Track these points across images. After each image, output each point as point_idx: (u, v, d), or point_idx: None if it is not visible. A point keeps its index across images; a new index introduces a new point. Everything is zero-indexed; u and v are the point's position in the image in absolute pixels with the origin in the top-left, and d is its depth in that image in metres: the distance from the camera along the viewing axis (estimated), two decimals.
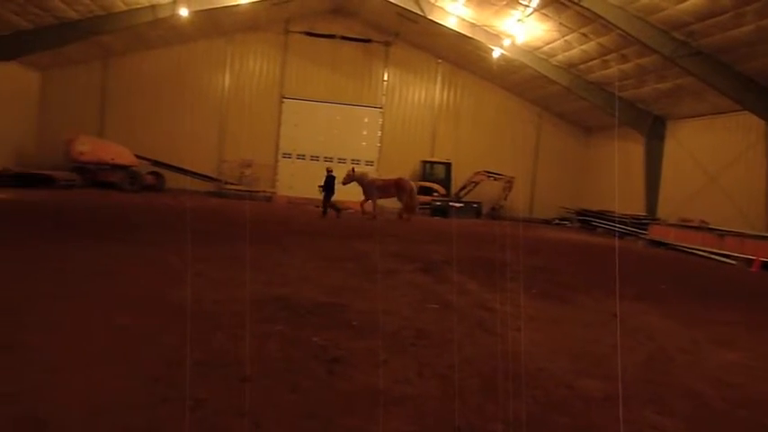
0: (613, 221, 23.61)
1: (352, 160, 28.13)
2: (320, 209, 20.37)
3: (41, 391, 3.82)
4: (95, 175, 23.57)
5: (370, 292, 7.62)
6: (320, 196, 20.23)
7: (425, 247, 13.23)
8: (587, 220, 26.40)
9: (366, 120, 28.51)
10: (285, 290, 7.39)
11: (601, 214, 25.30)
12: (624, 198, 24.90)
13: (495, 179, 27.06)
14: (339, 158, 28.07)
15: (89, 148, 23.23)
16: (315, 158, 27.98)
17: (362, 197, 21.21)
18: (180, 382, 4.10)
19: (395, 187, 21.24)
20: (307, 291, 7.43)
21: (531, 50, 23.35)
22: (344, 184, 20.71)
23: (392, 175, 22.85)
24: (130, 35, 23.84)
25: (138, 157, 24.59)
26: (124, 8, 21.11)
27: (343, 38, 27.94)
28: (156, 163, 25.76)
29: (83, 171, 23.24)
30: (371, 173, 22.65)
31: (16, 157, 23.51)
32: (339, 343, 5.30)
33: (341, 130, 28.26)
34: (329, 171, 20.69)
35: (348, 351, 5.10)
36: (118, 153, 23.94)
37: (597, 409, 4.27)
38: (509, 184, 27.01)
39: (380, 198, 21.43)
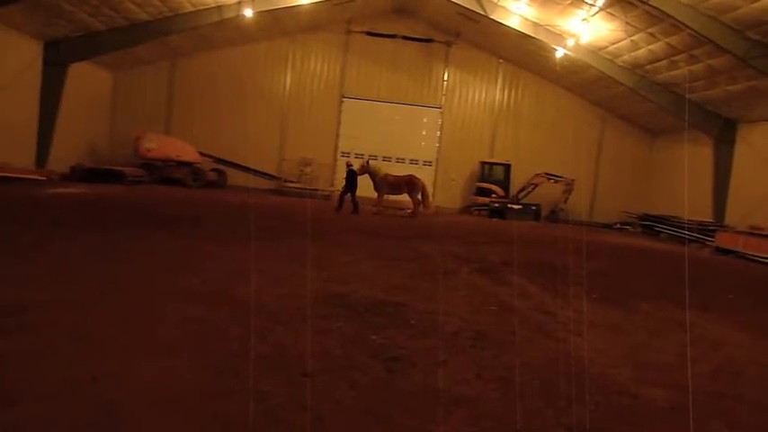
0: (678, 227, 22.84)
1: (411, 160, 28.16)
2: (342, 202, 20.34)
3: (117, 377, 3.99)
4: (161, 172, 24.41)
5: (429, 291, 7.61)
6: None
7: (484, 249, 13.13)
8: (650, 225, 25.63)
9: (425, 120, 28.47)
10: (344, 287, 7.47)
11: (665, 219, 24.52)
12: (690, 203, 24.05)
13: (556, 181, 26.59)
14: (397, 158, 28.15)
15: (156, 145, 24.06)
16: (373, 158, 28.06)
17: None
18: (245, 374, 4.21)
19: (406, 185, 21.14)
20: (366, 289, 7.49)
21: (596, 50, 22.84)
22: (359, 174, 20.62)
23: (403, 173, 22.76)
24: (197, 36, 24.55)
25: (201, 154, 25.32)
26: (191, 9, 21.76)
27: (405, 38, 27.98)
28: (219, 160, 26.45)
29: (150, 167, 24.11)
30: (384, 168, 22.50)
31: (89, 154, 24.57)
32: (398, 342, 5.33)
33: (400, 129, 28.30)
34: (349, 165, 20.67)
35: (407, 350, 5.12)
36: (183, 150, 24.72)
37: (662, 419, 4.15)
38: (569, 186, 26.49)
39: (390, 194, 21.42)
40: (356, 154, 28.02)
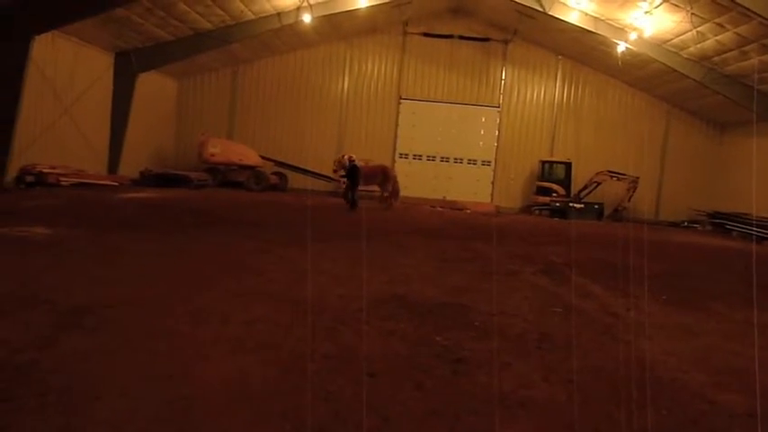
0: (751, 225, 21.86)
1: (469, 161, 27.97)
2: (352, 200, 19.65)
3: (190, 374, 4.15)
4: (225, 175, 25.11)
5: (492, 293, 7.56)
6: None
7: (545, 249, 12.94)
8: (721, 222, 24.61)
9: (483, 119, 28.22)
10: (406, 288, 7.51)
11: (736, 217, 23.51)
12: (762, 199, 22.96)
13: (619, 179, 25.89)
14: (455, 158, 27.99)
15: (219, 149, 24.75)
16: (431, 159, 28.08)
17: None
18: (311, 373, 4.30)
19: (381, 174, 20.75)
20: (427, 290, 7.52)
21: (660, 43, 22.12)
22: (336, 171, 20.24)
23: (373, 162, 22.34)
24: (257, 42, 25.09)
25: (262, 157, 25.86)
26: (252, 17, 22.26)
27: (461, 37, 27.81)
28: (280, 163, 26.95)
29: (214, 171, 24.82)
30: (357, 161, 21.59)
31: (157, 159, 25.47)
32: (462, 343, 5.32)
33: (458, 130, 28.15)
34: (351, 160, 20.16)
35: (471, 352, 5.11)
36: (245, 154, 25.33)
37: (740, 426, 4.01)
38: (633, 184, 25.75)
39: (365, 185, 20.88)
40: (414, 155, 28.05)
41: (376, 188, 22.04)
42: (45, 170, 17.41)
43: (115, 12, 17.54)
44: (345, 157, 21.04)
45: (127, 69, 21.82)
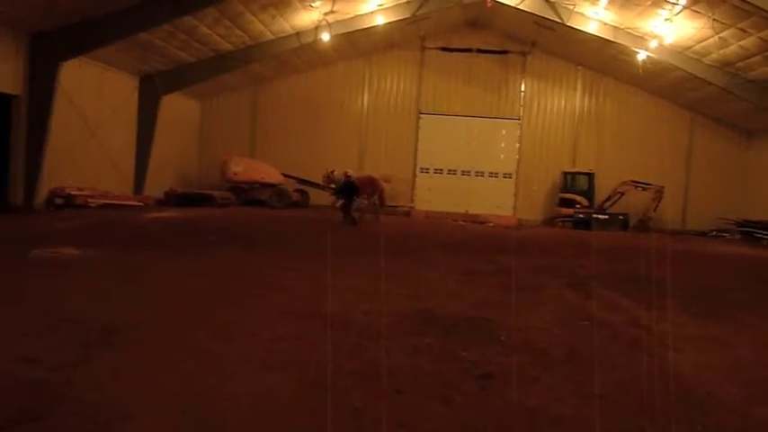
0: None
1: (490, 173, 27.88)
2: (349, 216, 18.88)
3: (219, 392, 4.18)
4: (248, 194, 25.33)
5: (517, 307, 7.51)
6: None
7: (570, 262, 12.82)
8: (750, 231, 24.17)
9: (504, 132, 28.16)
10: (430, 303, 7.50)
11: (766, 224, 23.08)
12: None
13: (644, 189, 25.57)
14: (477, 172, 27.93)
15: (242, 168, 25.00)
16: (452, 172, 28.06)
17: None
18: (339, 389, 4.31)
19: (371, 186, 20.00)
20: (452, 305, 7.49)
21: (681, 50, 21.93)
22: (324, 185, 19.69)
23: (359, 175, 21.44)
24: (277, 61, 25.40)
25: (284, 175, 26.05)
26: (272, 37, 22.56)
27: (479, 50, 27.86)
28: (302, 180, 27.11)
29: (237, 190, 25.06)
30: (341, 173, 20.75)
31: (181, 179, 25.81)
32: (488, 358, 5.29)
33: (478, 143, 28.11)
34: (348, 176, 19.49)
35: (498, 367, 5.08)
36: (267, 172, 25.55)
37: None
38: (658, 194, 25.42)
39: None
40: (435, 169, 28.05)
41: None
42: (73, 192, 17.75)
43: (138, 36, 17.89)
44: (334, 171, 20.73)
45: (151, 92, 22.21)
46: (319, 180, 27.05)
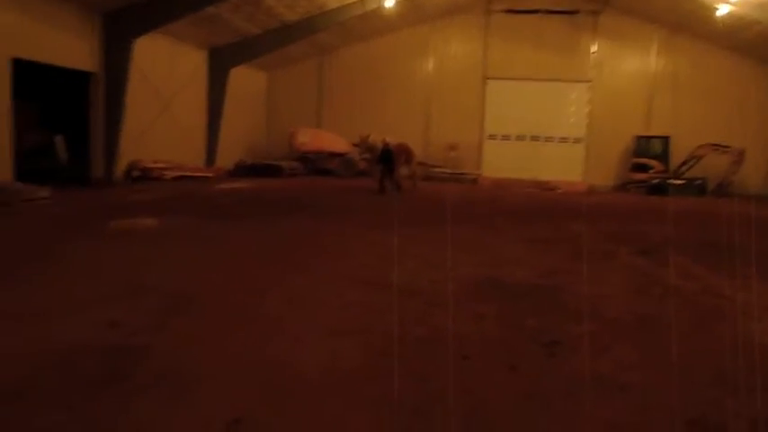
0: None
1: (560, 138, 27.17)
2: (390, 186, 18.28)
3: (288, 358, 4.32)
4: (315, 164, 25.68)
5: (586, 274, 7.36)
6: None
7: (643, 228, 12.43)
8: None
9: (573, 95, 27.29)
10: (497, 271, 7.46)
11: None
12: None
13: (723, 152, 24.33)
14: (546, 137, 27.26)
15: (309, 138, 25.32)
16: (520, 138, 27.49)
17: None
18: (405, 356, 4.37)
19: (406, 154, 19.32)
20: (519, 272, 7.43)
21: (765, 3, 20.50)
22: (362, 153, 19.16)
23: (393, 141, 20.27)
24: (342, 30, 25.38)
25: (353, 144, 26.21)
26: (336, 5, 22.52)
27: (548, 11, 26.94)
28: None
29: (304, 160, 25.46)
30: (378, 139, 20.27)
31: (250, 150, 26.40)
32: (556, 326, 5.24)
33: (547, 107, 27.36)
34: (386, 144, 18.82)
35: (566, 335, 5.02)
36: (334, 142, 25.79)
37: None
38: (739, 157, 24.12)
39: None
40: (502, 135, 27.57)
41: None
42: (149, 165, 18.46)
43: (207, 10, 18.21)
44: (370, 136, 20.14)
45: (219, 65, 22.66)
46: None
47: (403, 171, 19.50)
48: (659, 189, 23.66)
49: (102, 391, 3.62)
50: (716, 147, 24.30)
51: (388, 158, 18.42)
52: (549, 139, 27.24)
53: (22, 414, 3.31)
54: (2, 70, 13.59)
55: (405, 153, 19.51)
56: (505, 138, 27.61)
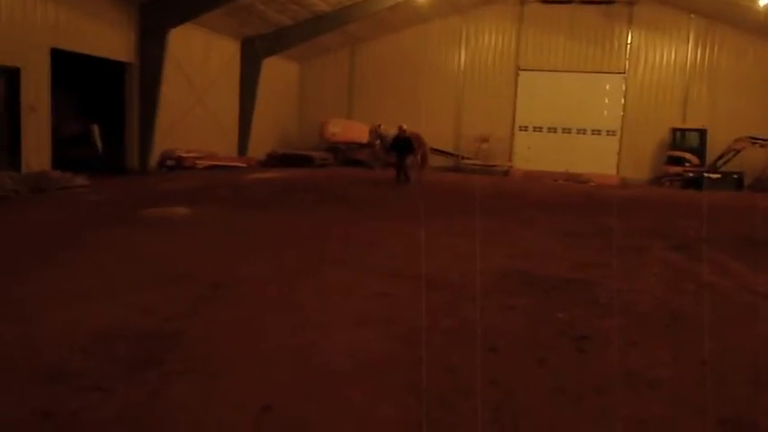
0: None
1: (593, 131, 26.76)
2: (403, 175, 17.68)
3: (317, 345, 4.38)
4: (345, 154, 25.76)
5: (618, 269, 7.26)
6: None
7: (678, 222, 12.20)
8: None
9: (607, 87, 26.82)
10: (527, 264, 7.42)
11: None
12: None
13: (762, 145, 23.72)
14: (579, 129, 26.88)
15: (340, 129, 25.40)
16: (552, 130, 27.16)
17: None
18: (433, 347, 4.39)
19: (418, 143, 18.68)
20: (550, 265, 7.38)
21: None
22: (370, 142, 18.49)
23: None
24: (373, 21, 25.34)
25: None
26: None
27: (582, 2, 26.50)
28: None
29: (335, 150, 25.55)
30: (391, 129, 19.76)
31: (281, 140, 26.59)
32: (586, 321, 5.20)
33: (580, 99, 26.95)
34: (402, 130, 18.18)
35: (596, 329, 4.98)
36: (364, 133, 25.78)
37: None
38: None
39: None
40: (534, 127, 27.27)
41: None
42: (183, 154, 18.72)
43: (240, 0, 18.36)
44: (381, 126, 19.74)
45: (252, 55, 22.84)
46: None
47: (416, 160, 19.10)
48: (695, 183, 23.17)
49: (136, 375, 3.71)
50: (754, 140, 23.67)
51: (404, 146, 17.76)
52: (581, 131, 26.86)
53: (60, 396, 3.41)
54: (42, 60, 13.90)
55: (418, 142, 19.02)
56: (537, 129, 27.30)
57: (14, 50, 13.10)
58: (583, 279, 6.71)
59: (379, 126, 20.38)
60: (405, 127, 18.89)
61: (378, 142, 20.95)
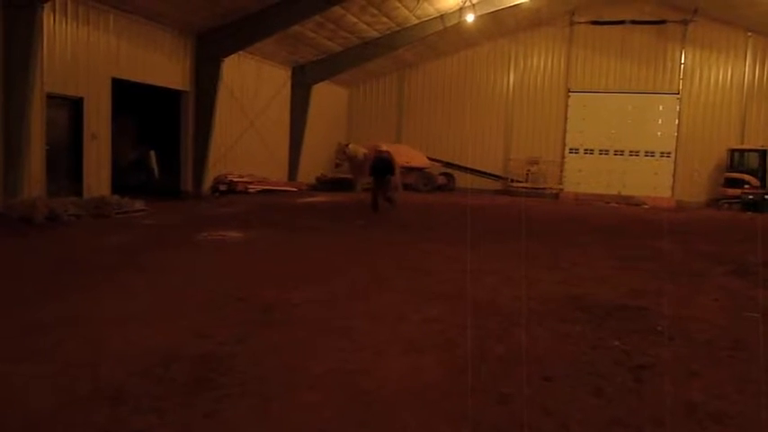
0: None
1: (646, 152, 26.17)
2: (382, 200, 15.86)
3: (370, 372, 4.38)
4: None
5: (675, 295, 7.07)
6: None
7: (737, 247, 11.80)
8: None
9: (661, 108, 26.27)
10: (581, 289, 7.27)
11: None
12: None
13: None
14: (631, 151, 26.32)
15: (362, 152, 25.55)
16: (604, 152, 26.70)
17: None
18: (486, 374, 4.34)
19: (394, 163, 16.37)
20: (604, 291, 7.21)
21: None
22: (337, 166, 18.01)
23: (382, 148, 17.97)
24: (422, 46, 25.55)
25: (430, 159, 26.25)
26: (416, 21, 22.71)
27: (633, 22, 26.14)
28: (447, 164, 27.22)
29: None
30: (360, 148, 19.36)
31: (331, 164, 26.87)
32: (643, 349, 5.05)
33: (633, 120, 26.46)
34: (379, 151, 16.62)
35: (654, 358, 4.83)
36: (412, 156, 25.86)
37: None
38: None
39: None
40: (585, 149, 26.87)
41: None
42: (235, 179, 19.17)
43: (291, 28, 18.81)
44: (349, 145, 19.07)
45: (302, 81, 23.32)
46: (464, 162, 27.13)
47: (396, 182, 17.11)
48: (755, 205, 22.37)
49: (192, 398, 3.78)
50: None
51: (383, 168, 15.94)
52: (634, 153, 26.31)
53: (120, 416, 3.51)
54: (104, 90, 14.53)
55: (394, 162, 16.74)
56: (588, 152, 26.89)
57: (79, 82, 13.75)
58: (639, 306, 6.54)
59: (347, 145, 20.00)
60: (384, 147, 17.70)
61: (346, 163, 20.53)
